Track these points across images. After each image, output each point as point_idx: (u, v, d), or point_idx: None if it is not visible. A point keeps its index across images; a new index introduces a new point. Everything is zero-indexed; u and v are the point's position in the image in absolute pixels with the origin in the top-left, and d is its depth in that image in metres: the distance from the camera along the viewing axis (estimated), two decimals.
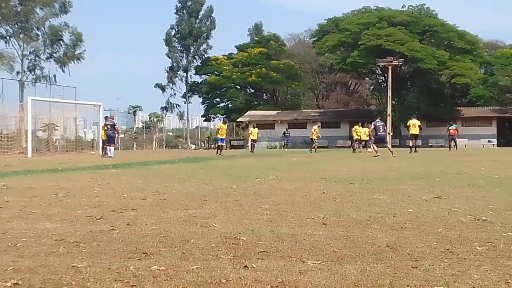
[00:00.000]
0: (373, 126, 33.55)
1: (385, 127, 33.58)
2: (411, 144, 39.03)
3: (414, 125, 39.08)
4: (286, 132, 59.46)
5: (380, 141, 33.37)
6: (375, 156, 30.40)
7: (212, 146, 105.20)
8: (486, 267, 4.51)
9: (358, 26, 76.12)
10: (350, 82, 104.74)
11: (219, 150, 39.01)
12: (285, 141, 58.57)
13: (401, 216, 7.36)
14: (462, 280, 4.14)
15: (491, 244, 5.46)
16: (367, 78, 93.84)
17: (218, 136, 40.15)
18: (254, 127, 50.34)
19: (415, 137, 39.47)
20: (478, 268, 4.49)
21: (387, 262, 4.76)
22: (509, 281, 4.09)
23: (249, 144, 51.43)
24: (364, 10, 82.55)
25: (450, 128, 45.73)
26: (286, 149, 55.06)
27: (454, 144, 44.13)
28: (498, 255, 4.97)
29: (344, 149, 55.88)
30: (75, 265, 4.76)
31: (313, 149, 43.74)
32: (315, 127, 46.52)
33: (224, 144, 40.89)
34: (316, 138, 45.33)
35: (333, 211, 7.90)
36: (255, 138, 49.75)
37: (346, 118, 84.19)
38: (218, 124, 41.40)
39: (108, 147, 35.13)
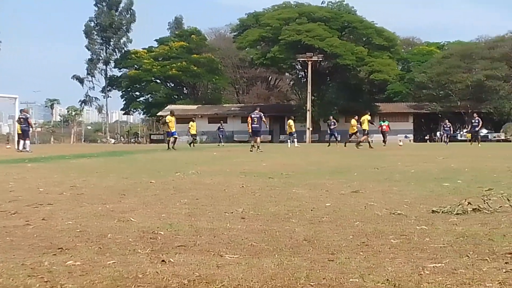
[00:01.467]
0: (249, 118, 33.06)
1: (262, 120, 32.58)
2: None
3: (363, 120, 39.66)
4: (220, 127, 59.08)
5: (254, 133, 32.86)
6: (250, 150, 30.66)
7: (132, 140, 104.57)
8: (400, 260, 4.59)
9: (279, 21, 76.66)
10: (270, 77, 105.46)
11: (172, 144, 37.23)
12: (220, 136, 57.98)
13: (319, 210, 7.43)
14: (377, 272, 4.20)
15: (405, 237, 5.56)
16: (287, 73, 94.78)
17: (169, 129, 38.07)
18: (193, 121, 49.41)
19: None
20: (392, 261, 4.56)
21: (304, 255, 4.80)
22: (422, 273, 4.17)
23: (189, 138, 49.74)
24: (284, 5, 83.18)
25: (382, 124, 46.53)
26: (223, 144, 54.23)
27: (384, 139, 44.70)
28: (412, 247, 5.06)
29: (264, 144, 56.01)
30: None
31: (292, 143, 43.48)
32: (290, 121, 46.09)
33: (177, 137, 38.44)
34: (293, 131, 45.06)
35: (252, 205, 7.93)
36: (194, 132, 48.80)
37: (266, 113, 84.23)
38: (167, 117, 38.59)
39: (23, 141, 34.45)
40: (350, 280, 4.02)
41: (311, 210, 7.46)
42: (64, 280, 4.09)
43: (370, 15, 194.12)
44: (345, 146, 41.54)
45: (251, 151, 30.40)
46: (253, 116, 32.52)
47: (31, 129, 36.84)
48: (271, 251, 4.99)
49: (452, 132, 61.48)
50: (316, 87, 75.00)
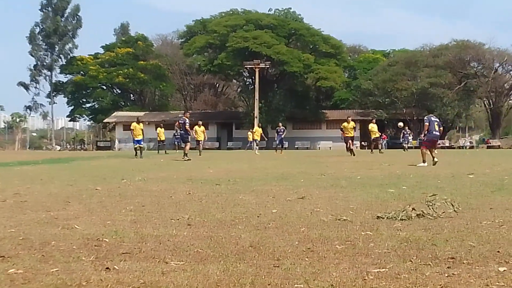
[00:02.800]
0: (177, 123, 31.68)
1: (185, 126, 30.45)
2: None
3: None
4: (176, 133, 56.16)
5: (181, 140, 31.38)
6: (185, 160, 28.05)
7: (78, 147, 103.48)
8: (345, 265, 4.63)
9: (226, 28, 76.58)
10: (218, 84, 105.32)
11: (138, 153, 34.26)
12: (176, 142, 55.16)
13: (265, 216, 7.45)
14: (322, 277, 4.23)
15: (350, 242, 5.61)
16: (234, 80, 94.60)
17: (134, 137, 35.09)
18: (161, 127, 47.68)
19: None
20: (337, 266, 4.60)
21: (250, 261, 4.81)
22: (366, 278, 4.21)
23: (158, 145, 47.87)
24: (231, 12, 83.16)
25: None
26: (178, 150, 51.92)
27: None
28: (357, 253, 5.11)
29: (211, 151, 55.87)
30: None
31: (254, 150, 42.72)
32: (256, 127, 45.25)
33: (143, 146, 35.68)
34: (258, 139, 44.48)
35: (198, 212, 7.91)
36: (163, 138, 47.17)
37: (214, 119, 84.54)
38: (132, 124, 35.23)
39: None
40: (295, 285, 4.05)
41: (257, 216, 7.48)
42: None
43: (317, 23, 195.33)
44: (371, 152, 39.34)
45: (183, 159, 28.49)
46: (180, 121, 31.16)
47: None
48: (216, 257, 4.99)
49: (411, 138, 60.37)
50: (263, 94, 75.11)
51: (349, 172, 17.07)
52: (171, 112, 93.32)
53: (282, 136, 45.19)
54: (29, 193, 10.95)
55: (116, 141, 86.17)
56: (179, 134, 52.60)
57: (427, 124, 21.41)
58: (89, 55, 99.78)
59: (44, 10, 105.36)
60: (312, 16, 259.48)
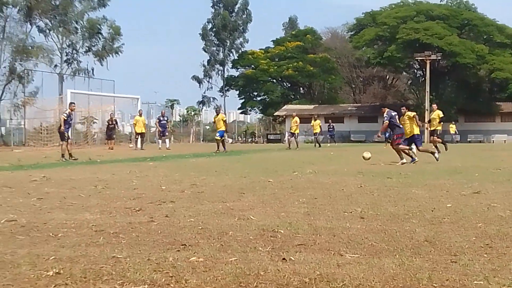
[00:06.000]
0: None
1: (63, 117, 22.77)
2: None
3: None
4: (329, 126, 54.73)
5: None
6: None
7: (249, 139, 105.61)
8: None
9: (396, 20, 75.58)
10: (387, 76, 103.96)
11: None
12: (330, 135, 52.68)
13: (440, 211, 7.32)
14: (502, 275, 4.12)
15: None
16: (404, 73, 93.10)
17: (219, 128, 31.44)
18: (315, 119, 45.76)
19: None
20: None
21: (426, 256, 4.75)
22: None
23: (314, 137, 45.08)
24: (401, 3, 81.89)
25: None
26: (330, 144, 49.64)
27: None
28: None
29: (381, 144, 55.24)
30: (115, 256, 4.83)
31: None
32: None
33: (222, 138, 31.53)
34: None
35: (371, 205, 7.89)
36: (317, 131, 44.57)
37: None
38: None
39: (163, 139, 37.97)
40: (474, 282, 3.96)
41: (432, 210, 7.36)
42: (188, 275, 4.20)
43: (491, 12, 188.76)
44: None
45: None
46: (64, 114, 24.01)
47: (168, 128, 39.47)
48: (391, 251, 4.96)
49: None
50: (434, 86, 73.51)
51: None
52: (340, 105, 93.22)
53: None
54: (205, 184, 11.32)
55: (286, 134, 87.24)
56: (331, 128, 52.70)
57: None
58: (259, 49, 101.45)
59: (215, 6, 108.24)
60: (486, 4, 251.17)
